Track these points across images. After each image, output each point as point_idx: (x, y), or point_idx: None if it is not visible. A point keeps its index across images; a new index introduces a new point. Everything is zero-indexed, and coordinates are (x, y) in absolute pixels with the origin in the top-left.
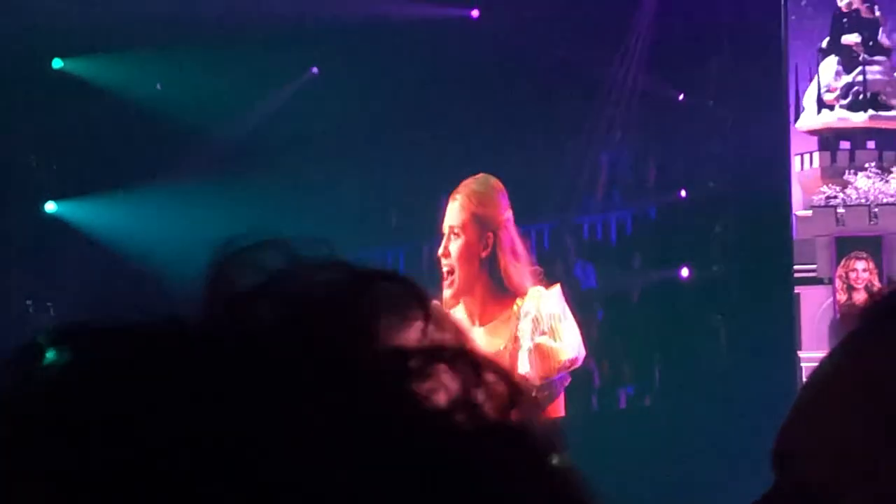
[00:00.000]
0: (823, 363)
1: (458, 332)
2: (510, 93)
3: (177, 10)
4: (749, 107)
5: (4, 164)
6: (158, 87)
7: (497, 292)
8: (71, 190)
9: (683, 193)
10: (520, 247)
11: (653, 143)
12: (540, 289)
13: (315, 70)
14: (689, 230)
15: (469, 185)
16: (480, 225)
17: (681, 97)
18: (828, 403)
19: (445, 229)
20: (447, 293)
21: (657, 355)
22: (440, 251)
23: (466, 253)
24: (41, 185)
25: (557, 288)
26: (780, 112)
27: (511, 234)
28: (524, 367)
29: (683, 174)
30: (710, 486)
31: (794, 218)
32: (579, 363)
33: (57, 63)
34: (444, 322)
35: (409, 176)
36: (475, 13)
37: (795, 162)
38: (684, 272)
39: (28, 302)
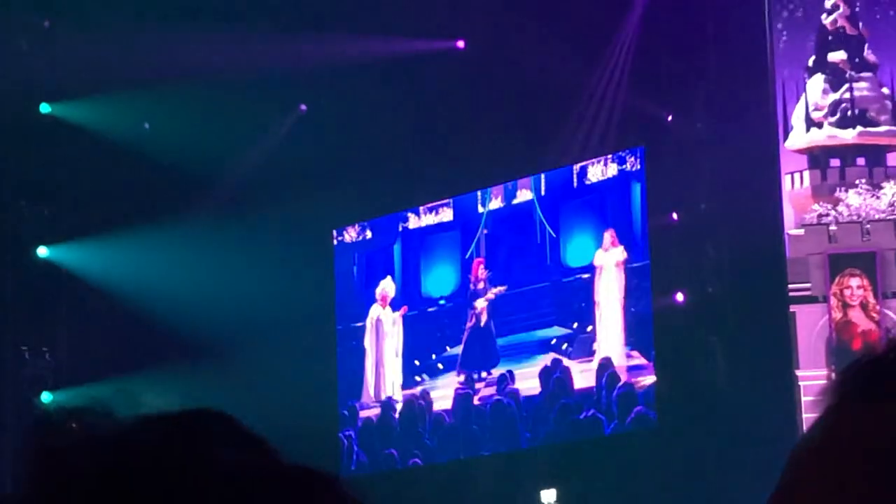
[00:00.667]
0: (814, 432)
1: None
2: (499, 120)
3: (163, 52)
4: (737, 127)
5: None
6: (146, 126)
7: None
8: (62, 234)
9: (675, 216)
10: None
11: (643, 165)
12: None
13: (303, 107)
14: (681, 252)
15: None
16: None
17: (669, 118)
18: (822, 475)
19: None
20: None
21: (655, 378)
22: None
23: None
24: (32, 231)
25: None
26: (768, 131)
27: None
28: None
29: (674, 196)
30: (711, 500)
31: (786, 237)
32: None
33: (45, 108)
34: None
35: (405, 202)
36: (461, 44)
37: (786, 181)
38: (679, 297)
39: (24, 348)
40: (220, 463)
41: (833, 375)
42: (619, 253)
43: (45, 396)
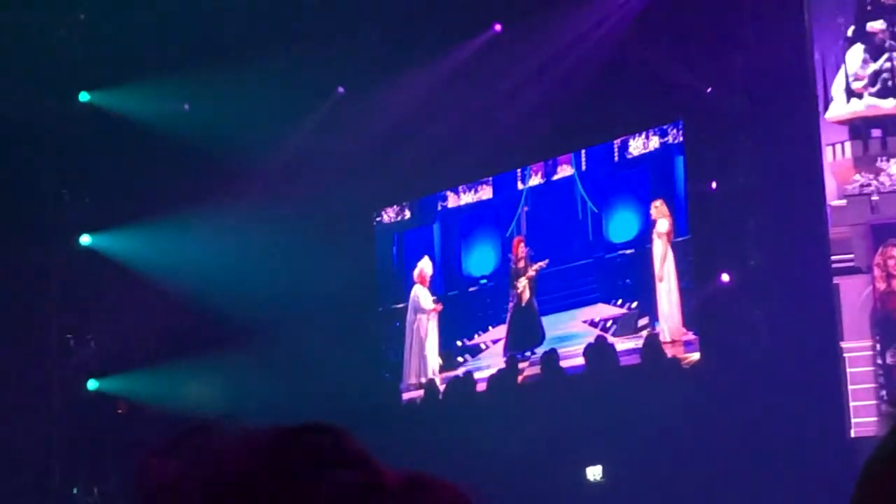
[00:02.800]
0: (887, 444)
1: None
2: (537, 97)
3: (200, 34)
4: (777, 99)
5: (38, 200)
6: (186, 107)
7: None
8: (104, 222)
9: (714, 185)
10: None
11: (684, 138)
12: None
13: (341, 90)
14: (723, 226)
15: None
16: None
17: (708, 90)
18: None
19: None
20: None
21: (700, 354)
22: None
23: None
24: (75, 219)
25: None
26: (808, 103)
27: None
28: None
29: (714, 170)
30: (757, 477)
31: (828, 208)
32: None
33: (84, 97)
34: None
35: (444, 181)
36: (498, 27)
37: (827, 152)
38: (725, 277)
39: (69, 336)
40: (331, 485)
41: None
42: (667, 224)
43: (92, 383)
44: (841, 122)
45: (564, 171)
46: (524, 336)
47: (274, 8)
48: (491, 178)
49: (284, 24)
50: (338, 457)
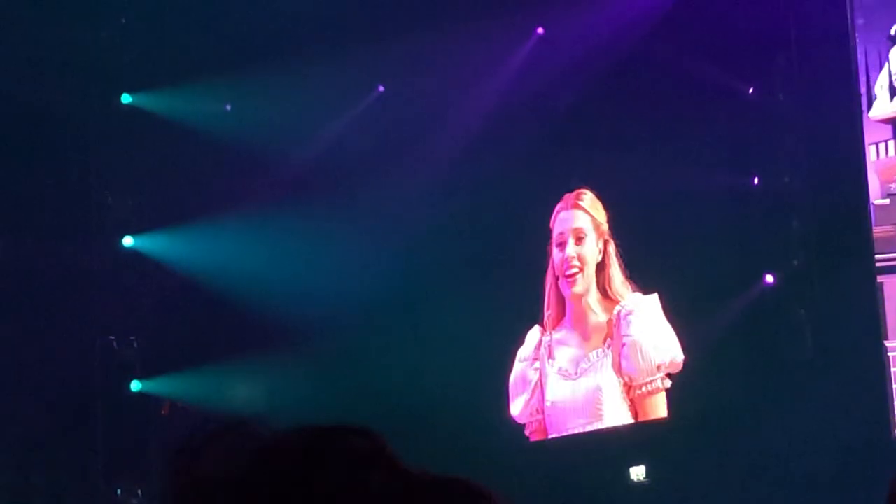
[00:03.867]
0: None
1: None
2: (580, 103)
3: (241, 35)
4: (819, 98)
5: (80, 202)
6: (228, 108)
7: (601, 298)
8: (147, 223)
9: (756, 181)
10: (615, 254)
11: (724, 139)
12: (638, 295)
13: (381, 88)
14: (766, 227)
15: (583, 195)
16: (597, 232)
17: (750, 90)
18: None
19: (568, 234)
20: (578, 288)
21: (743, 355)
22: (567, 252)
23: (589, 256)
24: (117, 221)
25: (655, 296)
26: (851, 102)
27: (614, 245)
28: (625, 362)
29: (757, 170)
30: (800, 476)
31: (872, 207)
32: (677, 367)
33: (126, 98)
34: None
35: (495, 190)
36: (540, 30)
37: (870, 151)
38: (769, 278)
39: (111, 338)
40: (362, 487)
41: None
42: None
43: (134, 385)
44: (884, 121)
45: None
46: None
47: (315, 7)
48: None
49: (326, 24)
50: (369, 459)
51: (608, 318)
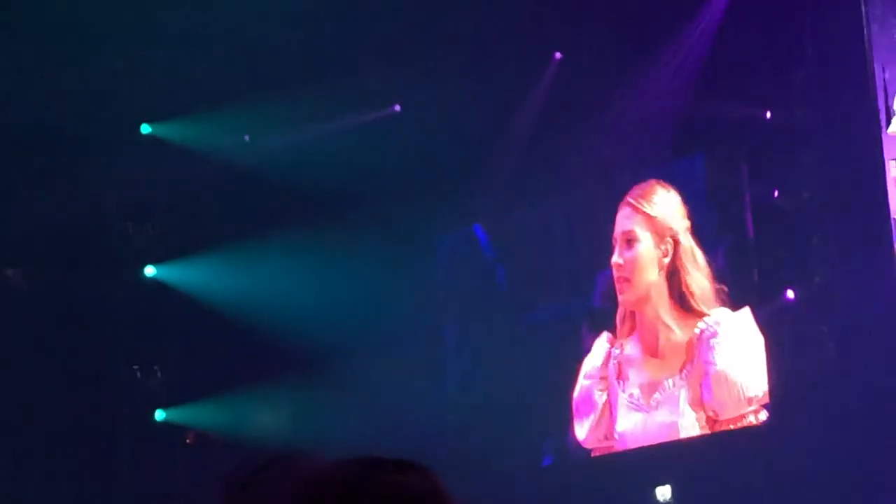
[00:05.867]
0: None
1: None
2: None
3: (258, 65)
4: (838, 114)
5: (102, 232)
6: (246, 138)
7: (677, 310)
8: (168, 253)
9: (776, 193)
10: (701, 258)
11: (744, 160)
12: (726, 311)
13: (398, 107)
14: (787, 243)
15: (643, 189)
16: (656, 230)
17: (768, 115)
18: None
19: (617, 237)
20: (628, 297)
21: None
22: (614, 258)
23: (644, 261)
24: (138, 250)
25: (747, 311)
26: (870, 117)
27: (691, 242)
28: (707, 394)
29: (777, 185)
30: (836, 479)
31: (893, 223)
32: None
33: (145, 129)
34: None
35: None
36: (558, 55)
37: (891, 167)
38: (790, 293)
39: (135, 367)
40: None
41: None
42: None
43: (159, 414)
44: None
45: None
46: None
47: (330, 34)
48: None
49: (339, 50)
50: (424, 497)
51: (689, 337)
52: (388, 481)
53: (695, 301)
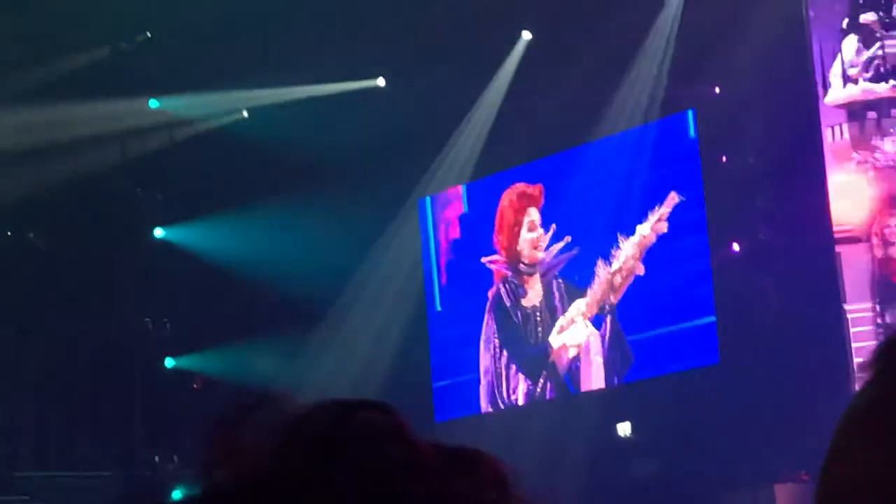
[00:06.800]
0: (855, 405)
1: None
2: (558, 95)
3: (256, 47)
4: (781, 86)
5: (115, 199)
6: (244, 114)
7: None
8: (175, 216)
9: (724, 159)
10: None
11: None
12: None
13: (382, 82)
14: (734, 203)
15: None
16: None
17: (717, 90)
18: (867, 449)
19: None
20: None
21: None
22: None
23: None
24: (148, 215)
25: None
26: (809, 89)
27: None
28: None
29: (725, 154)
30: (767, 426)
31: (829, 184)
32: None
33: (154, 104)
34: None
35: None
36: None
37: (827, 134)
38: (735, 246)
39: (147, 319)
40: (380, 458)
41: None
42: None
43: (169, 361)
44: (839, 106)
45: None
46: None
47: (321, 12)
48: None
49: (327, 28)
50: (388, 433)
51: None
52: (359, 419)
53: None
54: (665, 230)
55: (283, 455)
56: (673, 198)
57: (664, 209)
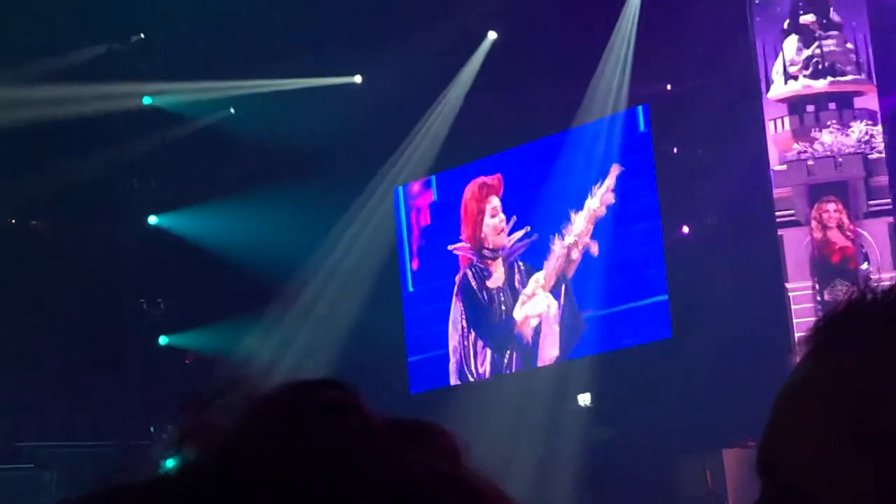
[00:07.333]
0: (793, 379)
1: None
2: (525, 89)
3: (244, 41)
4: (727, 82)
5: (111, 188)
6: (231, 111)
7: None
8: (168, 204)
9: (675, 150)
10: None
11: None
12: None
13: (359, 79)
14: (684, 189)
15: None
16: None
17: (668, 87)
18: (802, 420)
19: None
20: None
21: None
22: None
23: None
24: (143, 202)
25: None
26: (753, 85)
27: None
28: None
29: (675, 144)
30: (726, 389)
31: (772, 173)
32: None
33: (147, 100)
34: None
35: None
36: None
37: (770, 126)
38: (685, 229)
39: (141, 300)
40: (339, 429)
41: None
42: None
43: (162, 339)
44: (781, 101)
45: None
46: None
47: (301, 13)
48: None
49: (308, 27)
50: (342, 407)
51: None
52: (319, 395)
53: None
54: (613, 201)
55: (242, 435)
56: (615, 169)
57: (609, 181)
